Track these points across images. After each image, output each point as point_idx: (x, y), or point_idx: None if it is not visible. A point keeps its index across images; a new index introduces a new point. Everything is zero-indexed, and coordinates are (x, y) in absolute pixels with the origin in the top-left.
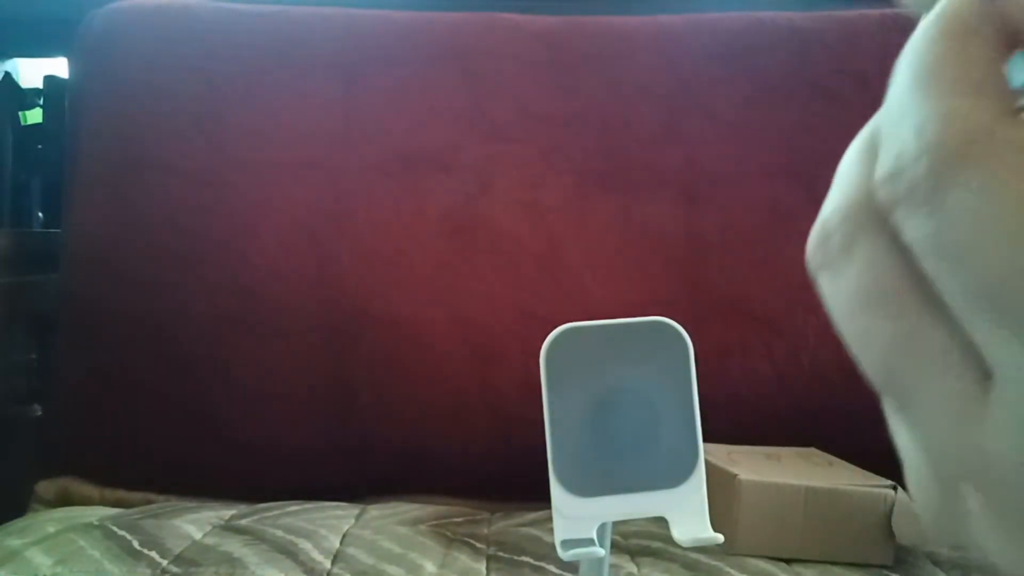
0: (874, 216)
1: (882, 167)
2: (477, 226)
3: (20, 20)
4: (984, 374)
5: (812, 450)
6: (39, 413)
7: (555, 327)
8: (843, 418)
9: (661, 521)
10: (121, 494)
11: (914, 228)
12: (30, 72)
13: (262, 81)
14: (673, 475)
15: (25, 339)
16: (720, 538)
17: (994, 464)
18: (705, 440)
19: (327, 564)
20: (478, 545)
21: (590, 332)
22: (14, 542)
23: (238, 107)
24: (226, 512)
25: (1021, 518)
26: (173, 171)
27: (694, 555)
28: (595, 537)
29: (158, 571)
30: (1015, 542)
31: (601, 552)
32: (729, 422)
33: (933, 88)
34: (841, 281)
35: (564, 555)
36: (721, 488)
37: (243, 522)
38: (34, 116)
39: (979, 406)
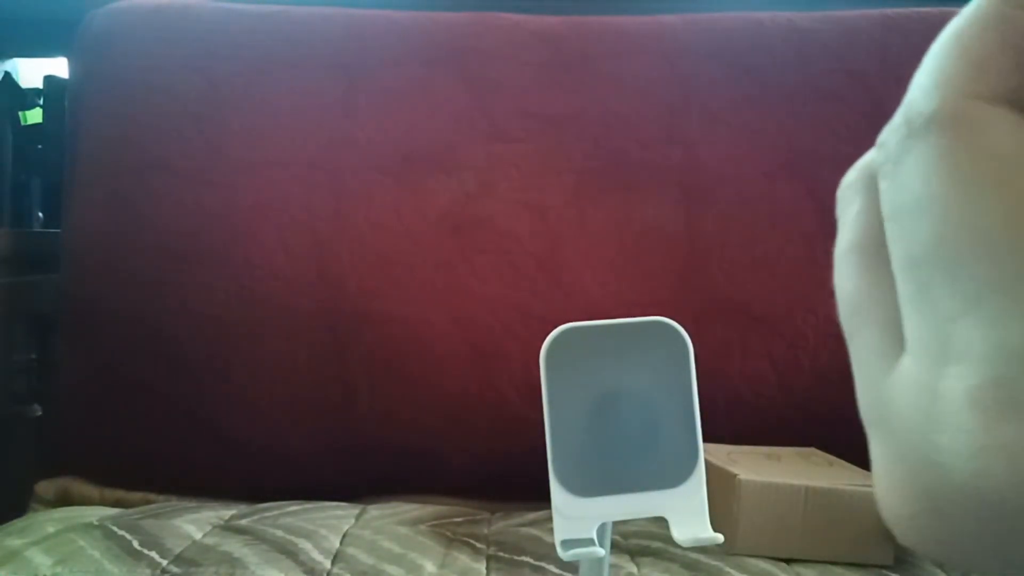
0: (871, 177)
1: (881, 133)
2: (477, 226)
3: (20, 20)
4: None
5: (812, 450)
6: (39, 413)
7: (555, 327)
8: (843, 418)
9: (661, 521)
10: (121, 494)
11: (882, 192)
12: (30, 72)
13: (262, 81)
14: (673, 475)
15: (25, 339)
16: (720, 538)
17: (891, 418)
18: (705, 440)
19: (327, 564)
20: (478, 545)
21: (590, 332)
22: (14, 542)
23: (238, 107)
24: (226, 512)
25: (904, 469)
26: (173, 171)
27: (694, 555)
28: (595, 537)
29: (158, 571)
30: (896, 492)
31: (601, 552)
32: (729, 422)
33: (937, 62)
34: (841, 228)
35: (564, 555)
36: (721, 488)
37: (243, 522)
38: (34, 116)
39: (891, 368)
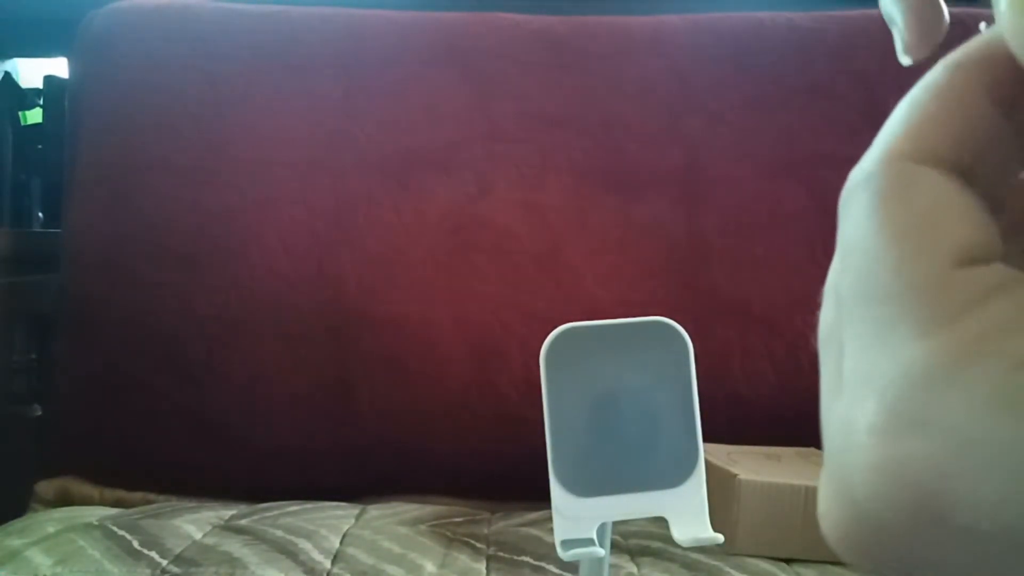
0: None
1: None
2: (477, 226)
3: (20, 20)
4: None
5: (812, 450)
6: (39, 413)
7: (555, 327)
8: None
9: (661, 521)
10: (121, 494)
11: (838, 233)
12: (30, 72)
13: (262, 81)
14: (673, 475)
15: (25, 339)
16: (720, 538)
17: (831, 438)
18: (705, 440)
19: (327, 564)
20: (478, 545)
21: (590, 332)
22: (14, 542)
23: (238, 107)
24: (226, 512)
25: (831, 488)
26: (173, 171)
27: (694, 555)
28: (595, 537)
29: (158, 571)
30: (826, 508)
31: (601, 552)
32: (729, 422)
33: (889, 122)
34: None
35: (564, 555)
36: (721, 488)
37: (243, 522)
38: (34, 116)
39: (838, 397)
